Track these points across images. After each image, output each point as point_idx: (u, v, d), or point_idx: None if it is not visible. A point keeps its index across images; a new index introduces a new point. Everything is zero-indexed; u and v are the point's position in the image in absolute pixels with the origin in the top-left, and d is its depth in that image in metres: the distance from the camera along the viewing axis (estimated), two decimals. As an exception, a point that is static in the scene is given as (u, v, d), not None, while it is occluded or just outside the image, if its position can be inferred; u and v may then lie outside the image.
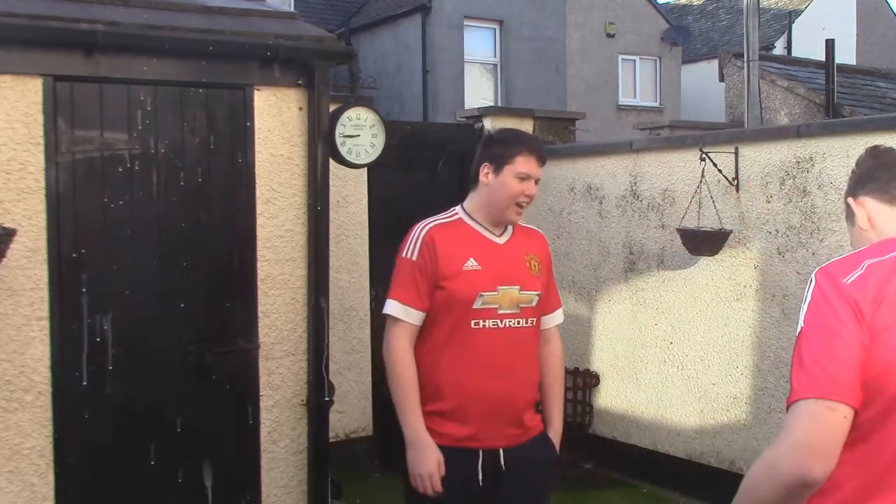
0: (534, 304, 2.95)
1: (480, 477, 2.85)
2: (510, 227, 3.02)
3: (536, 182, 2.95)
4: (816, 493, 1.60)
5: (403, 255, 2.93)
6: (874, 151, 1.99)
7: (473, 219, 2.98)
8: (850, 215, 1.98)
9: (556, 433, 3.08)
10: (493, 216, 2.96)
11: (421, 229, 2.94)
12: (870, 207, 1.91)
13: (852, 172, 2.02)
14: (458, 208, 3.04)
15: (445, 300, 2.86)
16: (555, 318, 3.15)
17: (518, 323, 2.91)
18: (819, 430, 1.55)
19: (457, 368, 2.85)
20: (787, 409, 1.61)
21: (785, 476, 1.56)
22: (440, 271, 2.85)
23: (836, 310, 1.63)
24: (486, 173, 2.94)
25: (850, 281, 1.65)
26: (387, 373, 2.93)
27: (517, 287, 2.91)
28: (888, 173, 1.92)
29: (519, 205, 2.93)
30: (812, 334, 1.62)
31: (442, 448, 2.82)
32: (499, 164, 2.92)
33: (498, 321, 2.87)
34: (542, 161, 2.96)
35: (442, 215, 3.02)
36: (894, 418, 1.64)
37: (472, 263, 2.87)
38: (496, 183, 2.92)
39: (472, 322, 2.84)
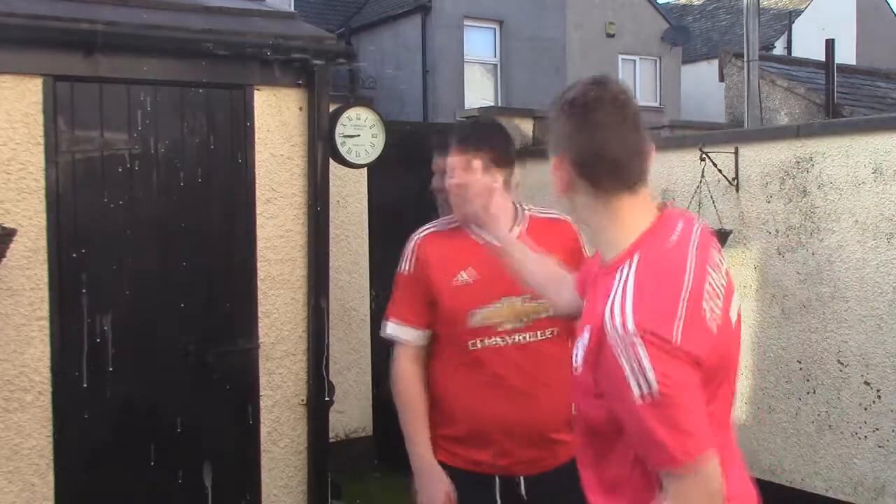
0: (544, 315, 2.55)
1: None
2: (518, 226, 2.61)
3: (469, 171, 2.51)
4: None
5: (400, 268, 2.68)
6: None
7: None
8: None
9: None
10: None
11: (414, 239, 2.68)
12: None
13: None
14: None
15: (441, 318, 2.60)
16: None
17: (528, 338, 2.57)
18: (718, 477, 1.65)
19: (467, 392, 2.57)
20: (672, 470, 1.60)
21: None
22: (433, 285, 2.59)
23: (687, 371, 1.61)
24: None
25: (679, 340, 1.61)
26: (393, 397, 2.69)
27: (519, 298, 2.54)
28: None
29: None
30: (680, 399, 1.59)
31: (456, 470, 2.59)
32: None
33: (499, 339, 2.56)
34: (449, 151, 2.61)
35: (440, 220, 2.74)
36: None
37: (462, 277, 2.57)
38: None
39: (469, 343, 2.56)
